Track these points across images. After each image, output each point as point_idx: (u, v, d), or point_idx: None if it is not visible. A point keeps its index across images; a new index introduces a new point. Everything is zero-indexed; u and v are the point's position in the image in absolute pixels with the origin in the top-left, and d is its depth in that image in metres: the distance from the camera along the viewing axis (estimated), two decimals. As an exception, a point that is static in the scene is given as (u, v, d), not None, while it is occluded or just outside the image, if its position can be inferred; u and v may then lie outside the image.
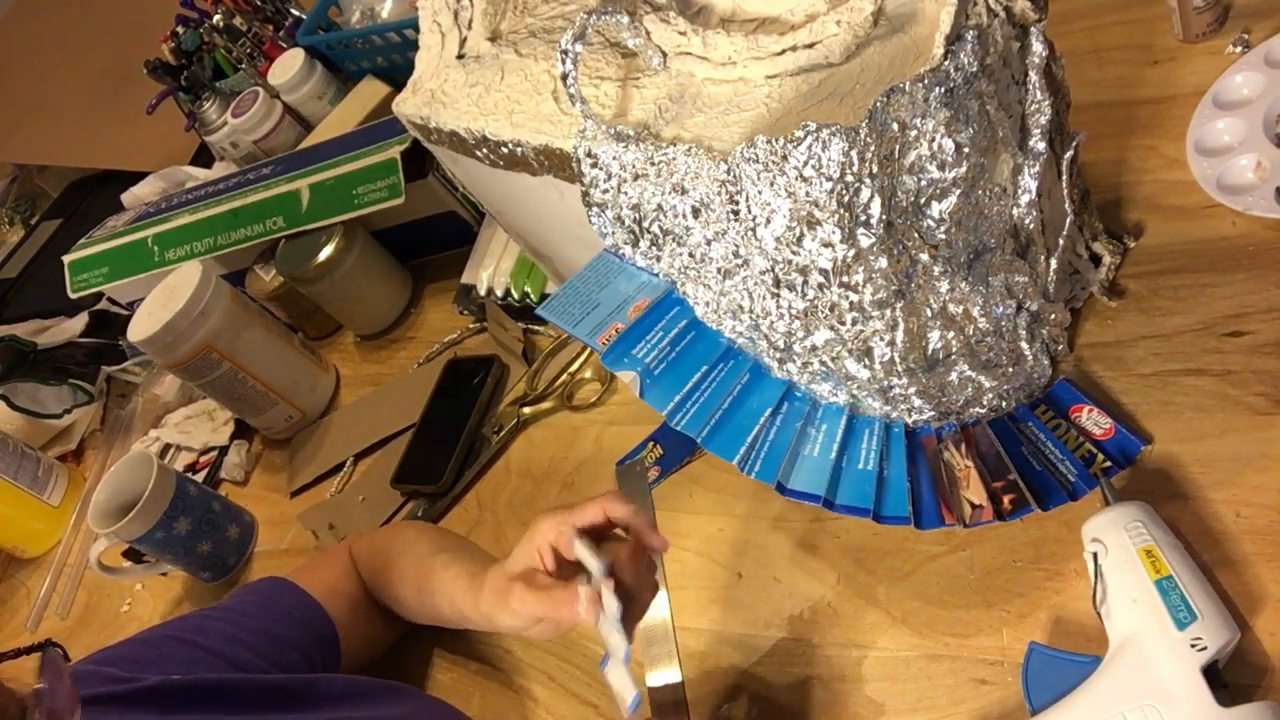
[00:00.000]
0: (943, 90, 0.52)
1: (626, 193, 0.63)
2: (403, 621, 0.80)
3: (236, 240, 1.09)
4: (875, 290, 0.57)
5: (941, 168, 0.55)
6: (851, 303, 0.57)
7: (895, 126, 0.52)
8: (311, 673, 0.72)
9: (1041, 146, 0.59)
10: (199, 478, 1.09)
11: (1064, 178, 0.64)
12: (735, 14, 0.66)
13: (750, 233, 0.57)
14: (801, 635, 0.69)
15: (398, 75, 1.21)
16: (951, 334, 0.61)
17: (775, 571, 0.72)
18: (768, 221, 0.55)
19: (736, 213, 0.57)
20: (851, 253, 0.55)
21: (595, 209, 0.66)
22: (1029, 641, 0.59)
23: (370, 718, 0.66)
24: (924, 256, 0.57)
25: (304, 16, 1.31)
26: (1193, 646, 0.52)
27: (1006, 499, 0.63)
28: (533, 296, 0.96)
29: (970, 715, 0.60)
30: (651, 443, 0.83)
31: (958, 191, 0.56)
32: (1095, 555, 0.58)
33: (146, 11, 1.58)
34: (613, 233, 0.67)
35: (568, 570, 0.59)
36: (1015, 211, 0.61)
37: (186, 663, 0.66)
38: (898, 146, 0.53)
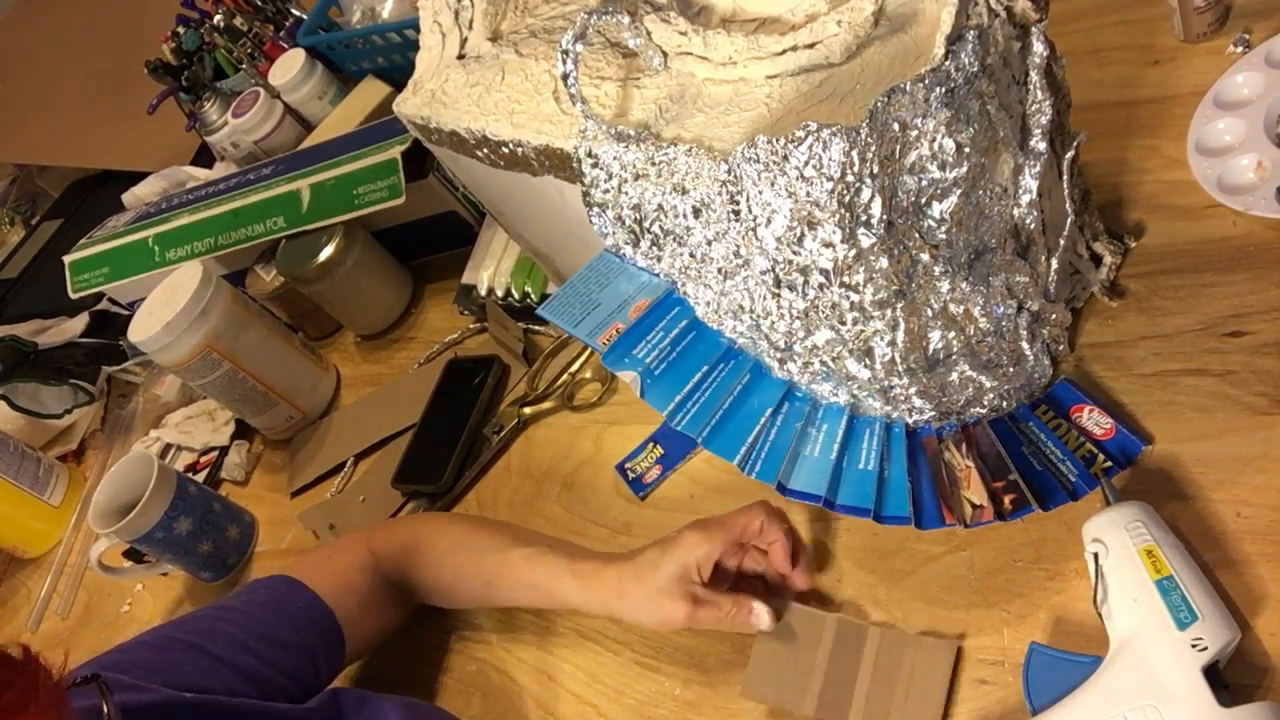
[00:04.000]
0: (943, 90, 0.52)
1: (627, 193, 0.63)
2: (412, 606, 0.81)
3: (237, 240, 1.09)
4: (876, 290, 0.57)
5: (942, 168, 0.55)
6: (852, 303, 0.57)
7: (896, 126, 0.52)
8: (316, 674, 0.72)
9: (1042, 146, 0.59)
10: (199, 478, 1.09)
11: (1065, 178, 0.64)
12: (736, 14, 0.66)
13: (751, 233, 0.57)
14: (802, 635, 0.68)
15: (398, 75, 1.21)
16: (952, 334, 0.61)
17: (776, 571, 0.72)
18: (768, 221, 0.55)
19: (737, 213, 0.57)
20: (852, 253, 0.55)
21: (596, 209, 0.66)
22: (1030, 641, 0.59)
23: None
24: (925, 256, 0.57)
25: (304, 16, 1.31)
26: (1193, 646, 0.52)
27: (1007, 499, 0.63)
28: (533, 296, 0.96)
29: (970, 715, 0.60)
30: (652, 443, 0.83)
31: (958, 191, 0.56)
32: (1096, 555, 0.57)
33: (147, 11, 1.58)
34: (613, 233, 0.67)
35: (716, 580, 0.66)
36: (1016, 211, 0.61)
37: (196, 671, 0.65)
38: (898, 146, 0.53)
